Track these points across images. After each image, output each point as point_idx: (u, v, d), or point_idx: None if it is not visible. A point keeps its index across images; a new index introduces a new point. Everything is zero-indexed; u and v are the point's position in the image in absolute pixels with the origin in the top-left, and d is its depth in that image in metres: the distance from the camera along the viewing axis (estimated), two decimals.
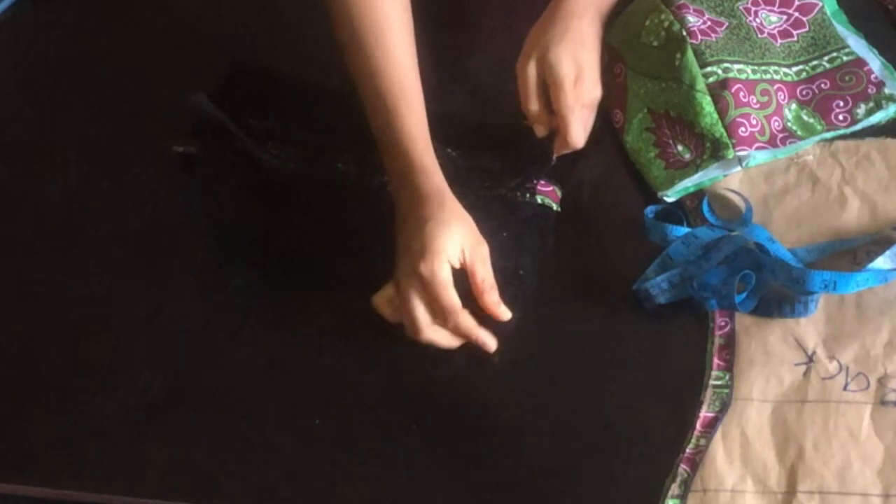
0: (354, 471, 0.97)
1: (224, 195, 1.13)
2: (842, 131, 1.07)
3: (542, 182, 1.09)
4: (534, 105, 1.08)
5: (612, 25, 1.13)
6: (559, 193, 1.10)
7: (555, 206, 1.09)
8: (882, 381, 0.94)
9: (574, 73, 1.06)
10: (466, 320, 0.98)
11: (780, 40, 1.11)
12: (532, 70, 1.07)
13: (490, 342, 0.99)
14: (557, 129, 1.08)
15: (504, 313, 0.99)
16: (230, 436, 0.99)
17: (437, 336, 0.98)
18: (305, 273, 1.08)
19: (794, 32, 1.11)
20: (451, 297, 0.96)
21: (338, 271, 1.06)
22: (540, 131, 1.09)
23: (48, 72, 1.25)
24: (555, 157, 1.09)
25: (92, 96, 1.22)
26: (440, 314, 0.97)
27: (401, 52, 1.06)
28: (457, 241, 0.97)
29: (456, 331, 0.98)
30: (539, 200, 1.08)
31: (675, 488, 0.92)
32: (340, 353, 1.03)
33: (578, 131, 1.07)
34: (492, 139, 1.13)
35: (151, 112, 1.19)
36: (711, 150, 1.04)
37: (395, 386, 1.01)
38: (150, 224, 1.13)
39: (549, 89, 1.07)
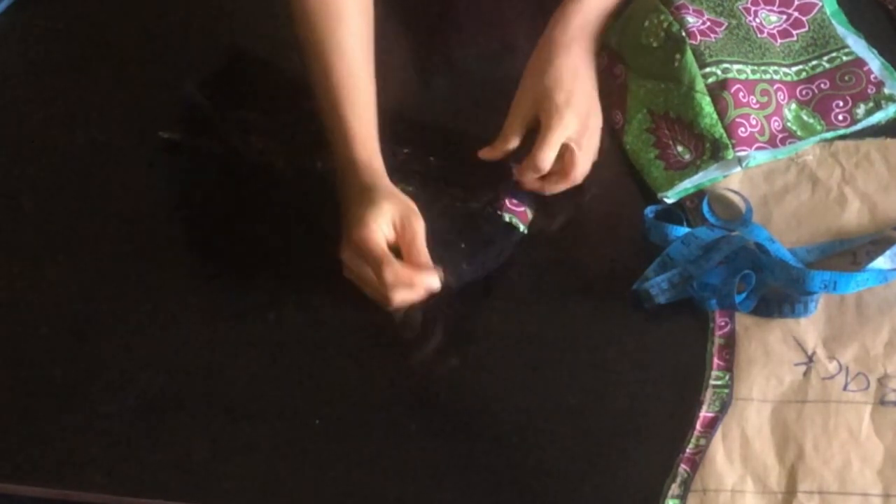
0: (354, 471, 0.97)
1: (207, 185, 1.14)
2: (841, 131, 1.07)
3: (514, 201, 1.08)
4: (513, 133, 1.08)
5: (612, 26, 1.13)
6: (529, 215, 1.08)
7: (521, 227, 1.07)
8: (882, 381, 0.95)
9: (563, 99, 1.06)
10: (403, 270, 0.98)
11: (779, 40, 1.11)
12: (524, 106, 1.08)
13: (433, 283, 1.00)
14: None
15: (431, 272, 0.99)
16: (230, 436, 0.99)
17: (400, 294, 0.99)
18: (303, 271, 1.08)
19: (794, 32, 1.11)
20: (384, 250, 0.98)
21: (335, 270, 1.07)
22: (490, 154, 1.09)
23: (48, 71, 1.25)
24: (521, 178, 1.08)
25: (91, 95, 1.22)
26: (377, 271, 0.98)
27: (354, 51, 1.07)
28: (388, 212, 1.00)
29: (398, 279, 0.97)
30: (507, 219, 1.07)
31: (675, 488, 0.92)
32: (340, 353, 1.03)
33: (545, 154, 1.05)
34: (472, 149, 1.11)
35: (153, 112, 1.19)
36: (711, 150, 1.04)
37: (395, 386, 1.01)
38: (149, 224, 1.13)
39: (540, 122, 1.07)
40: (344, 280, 1.05)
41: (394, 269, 0.97)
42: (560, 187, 1.08)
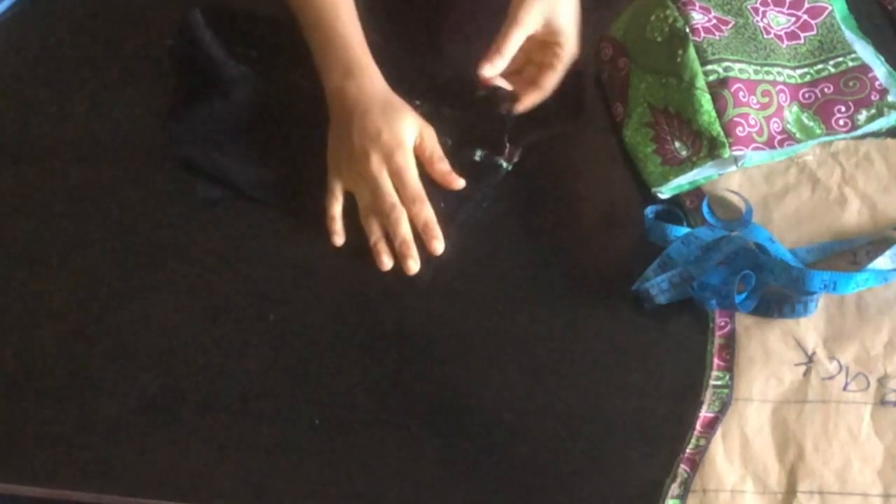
0: (354, 471, 0.97)
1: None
2: (841, 136, 1.07)
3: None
4: (512, 45, 1.11)
5: (619, 19, 1.14)
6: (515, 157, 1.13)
7: (505, 164, 1.11)
8: (882, 381, 0.94)
9: (575, 31, 1.11)
10: (429, 212, 1.06)
11: (786, 42, 1.10)
12: (535, 20, 1.10)
13: (438, 247, 1.06)
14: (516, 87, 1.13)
15: (456, 181, 1.08)
16: (230, 436, 0.99)
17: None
18: (303, 271, 1.08)
19: (802, 35, 1.11)
20: (419, 184, 1.07)
21: (336, 269, 1.07)
22: (489, 71, 1.11)
23: (48, 71, 1.25)
24: (518, 109, 1.12)
25: (92, 96, 1.22)
26: (407, 201, 1.06)
27: None
28: (413, 127, 1.08)
29: (417, 218, 1.06)
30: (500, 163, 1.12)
31: (675, 488, 0.92)
32: (341, 353, 1.03)
33: (553, 81, 1.12)
34: (457, 96, 1.15)
35: (152, 111, 1.19)
36: (708, 148, 1.04)
37: (395, 386, 1.01)
38: (149, 225, 1.13)
39: (545, 43, 1.11)
40: (344, 280, 1.05)
41: (420, 208, 1.06)
42: (533, 99, 1.12)
